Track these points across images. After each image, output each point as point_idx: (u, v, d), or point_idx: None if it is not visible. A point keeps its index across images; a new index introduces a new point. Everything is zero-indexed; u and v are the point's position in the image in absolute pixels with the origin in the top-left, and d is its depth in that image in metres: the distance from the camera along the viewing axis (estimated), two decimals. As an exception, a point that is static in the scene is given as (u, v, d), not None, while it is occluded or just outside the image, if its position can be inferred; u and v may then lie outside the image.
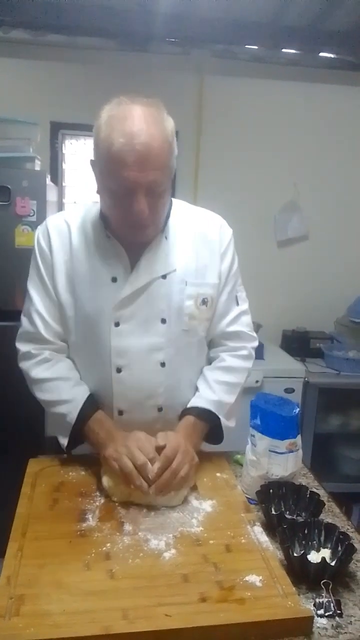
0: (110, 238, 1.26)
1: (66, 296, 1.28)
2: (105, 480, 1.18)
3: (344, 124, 3.30)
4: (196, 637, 0.82)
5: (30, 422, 2.16)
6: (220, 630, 0.82)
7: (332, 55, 3.08)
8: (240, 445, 1.34)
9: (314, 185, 3.32)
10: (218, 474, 1.29)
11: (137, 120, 1.09)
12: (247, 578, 0.93)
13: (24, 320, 1.34)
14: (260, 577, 0.93)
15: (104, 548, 1.00)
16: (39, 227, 1.34)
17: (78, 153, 3.19)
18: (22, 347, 1.34)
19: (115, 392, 1.30)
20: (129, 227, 1.19)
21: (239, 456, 1.40)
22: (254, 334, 1.43)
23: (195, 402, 1.32)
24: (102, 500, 1.16)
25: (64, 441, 1.29)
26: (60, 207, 3.11)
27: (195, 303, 1.30)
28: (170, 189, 1.20)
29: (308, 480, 1.35)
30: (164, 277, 1.27)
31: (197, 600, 0.87)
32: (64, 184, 3.19)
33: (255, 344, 1.43)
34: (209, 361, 1.41)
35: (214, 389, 1.32)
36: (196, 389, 1.35)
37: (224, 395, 1.33)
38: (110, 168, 1.10)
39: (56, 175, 3.11)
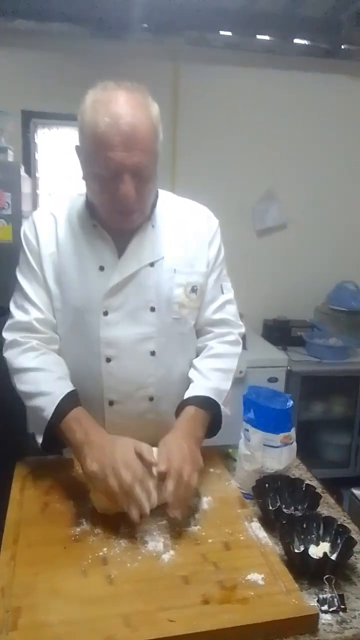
0: (97, 227, 1.25)
1: (54, 288, 1.26)
2: (94, 498, 1.08)
3: (319, 111, 3.29)
4: (201, 640, 0.80)
5: (12, 421, 2.11)
6: (224, 634, 0.80)
7: (306, 42, 3.08)
8: (232, 439, 1.32)
9: (291, 174, 3.31)
10: (211, 470, 1.26)
11: (122, 103, 1.08)
12: (248, 577, 0.91)
13: (15, 311, 1.29)
14: (262, 575, 0.91)
15: (101, 553, 0.97)
16: (25, 221, 1.33)
17: (51, 142, 3.11)
18: (9, 336, 1.28)
19: (105, 382, 1.27)
20: (115, 213, 1.18)
21: (230, 450, 1.38)
22: (240, 322, 1.42)
23: (193, 391, 1.26)
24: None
25: (40, 439, 1.19)
26: (34, 199, 3.03)
27: (184, 291, 1.29)
28: (156, 177, 1.18)
29: (300, 471, 1.35)
30: (152, 265, 1.26)
31: (200, 603, 0.85)
32: (37, 175, 3.10)
33: (242, 330, 1.41)
34: (198, 352, 1.38)
35: (209, 377, 1.29)
36: (189, 380, 1.31)
37: (221, 382, 1.29)
38: (96, 150, 1.09)
39: (29, 166, 3.02)
